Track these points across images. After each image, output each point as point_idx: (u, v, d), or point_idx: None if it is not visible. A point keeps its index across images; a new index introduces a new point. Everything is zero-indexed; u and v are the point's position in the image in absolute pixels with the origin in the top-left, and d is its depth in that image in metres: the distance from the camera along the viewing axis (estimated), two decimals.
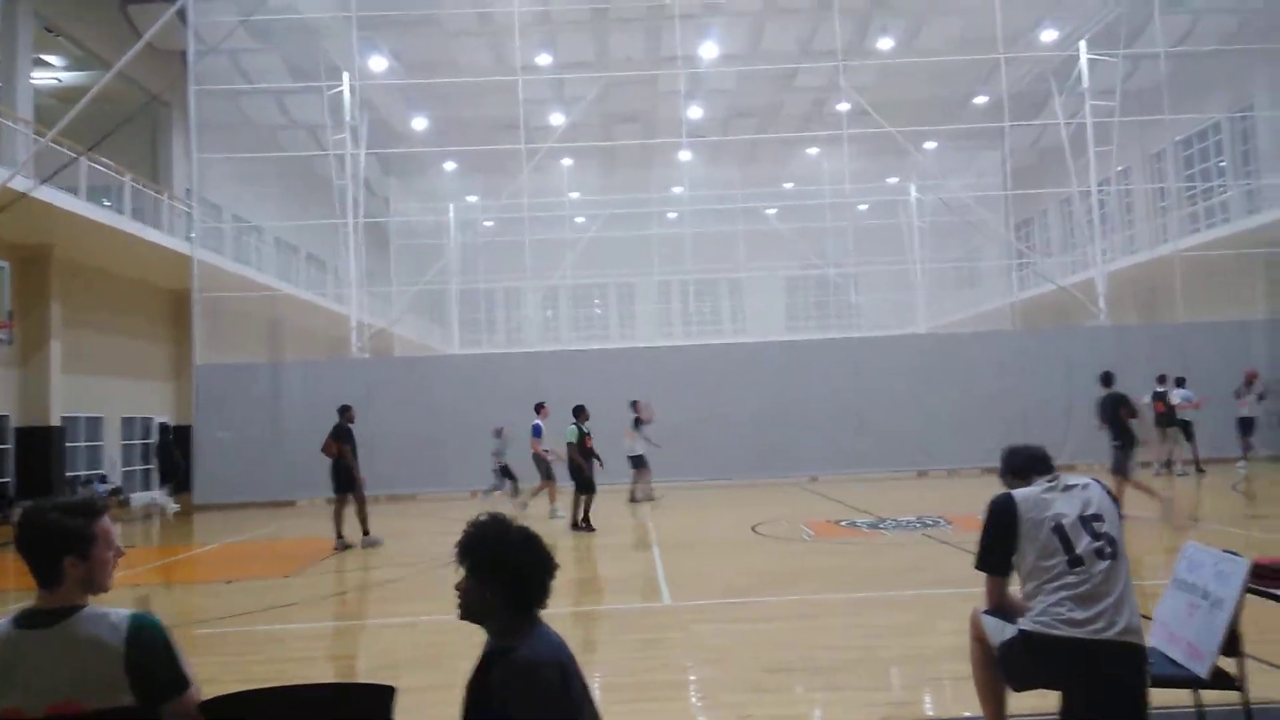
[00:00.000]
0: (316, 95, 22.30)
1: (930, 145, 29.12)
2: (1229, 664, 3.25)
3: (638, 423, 15.10)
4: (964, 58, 23.11)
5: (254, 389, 18.58)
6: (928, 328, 30.35)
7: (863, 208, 31.88)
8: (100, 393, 19.91)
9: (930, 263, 32.56)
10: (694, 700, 5.01)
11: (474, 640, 2.41)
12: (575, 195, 32.18)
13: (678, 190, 29.75)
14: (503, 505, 14.68)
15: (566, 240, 29.58)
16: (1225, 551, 3.37)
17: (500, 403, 16.91)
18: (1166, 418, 16.45)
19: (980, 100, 26.81)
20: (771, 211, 33.94)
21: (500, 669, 2.21)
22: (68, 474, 18.61)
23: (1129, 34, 21.52)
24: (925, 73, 24.96)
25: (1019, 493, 3.21)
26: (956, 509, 11.97)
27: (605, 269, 34.06)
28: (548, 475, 13.91)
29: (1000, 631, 3.19)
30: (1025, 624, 3.06)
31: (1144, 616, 3.10)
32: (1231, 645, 3.22)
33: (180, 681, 2.21)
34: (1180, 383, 16.76)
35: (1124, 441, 10.71)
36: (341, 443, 11.32)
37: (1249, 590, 3.21)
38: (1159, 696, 3.07)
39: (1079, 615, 2.92)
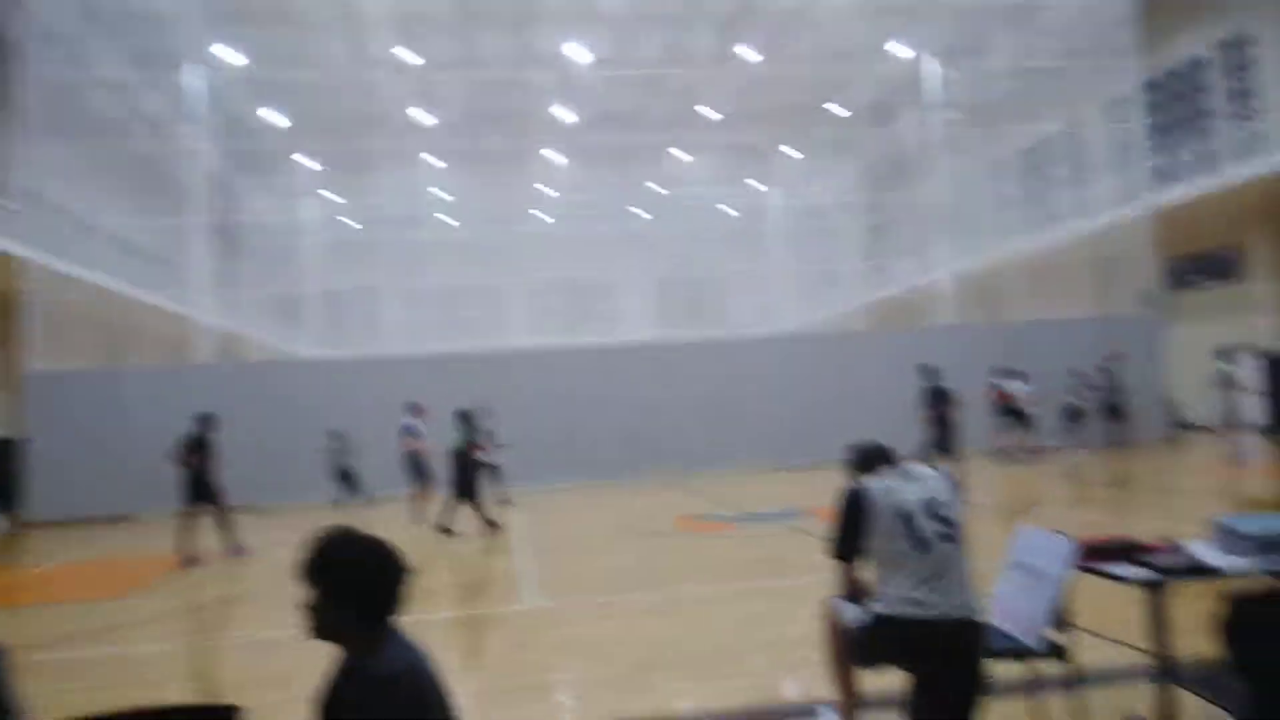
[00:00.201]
0: (162, 87, 21.03)
1: (791, 151, 30.10)
2: (1059, 636, 3.50)
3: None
4: (820, 68, 24.02)
5: (93, 397, 17.33)
6: (790, 328, 31.35)
7: (729, 211, 32.65)
8: None
9: (791, 265, 33.65)
10: (564, 700, 5.00)
11: (327, 656, 2.32)
12: (440, 195, 31.56)
13: (547, 191, 29.65)
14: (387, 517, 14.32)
15: (432, 241, 28.97)
16: (1054, 533, 3.63)
17: (362, 408, 16.43)
18: (1004, 408, 17.62)
19: (837, 109, 27.92)
20: (641, 213, 34.31)
21: (353, 685, 2.14)
22: None
23: (973, 49, 22.89)
24: (785, 81, 25.79)
25: (868, 483, 3.35)
26: (818, 501, 12.39)
27: (472, 270, 33.56)
28: (424, 477, 13.60)
29: (851, 616, 3.33)
30: (875, 607, 3.21)
31: (984, 595, 3.29)
32: (1060, 618, 3.47)
33: (11, 712, 2.04)
34: (1019, 376, 17.91)
35: (945, 430, 11.36)
36: (201, 454, 10.86)
37: (1075, 568, 3.46)
38: (997, 669, 3.26)
39: (924, 596, 3.08)
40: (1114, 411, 18.88)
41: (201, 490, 10.86)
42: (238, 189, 30.48)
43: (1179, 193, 21.36)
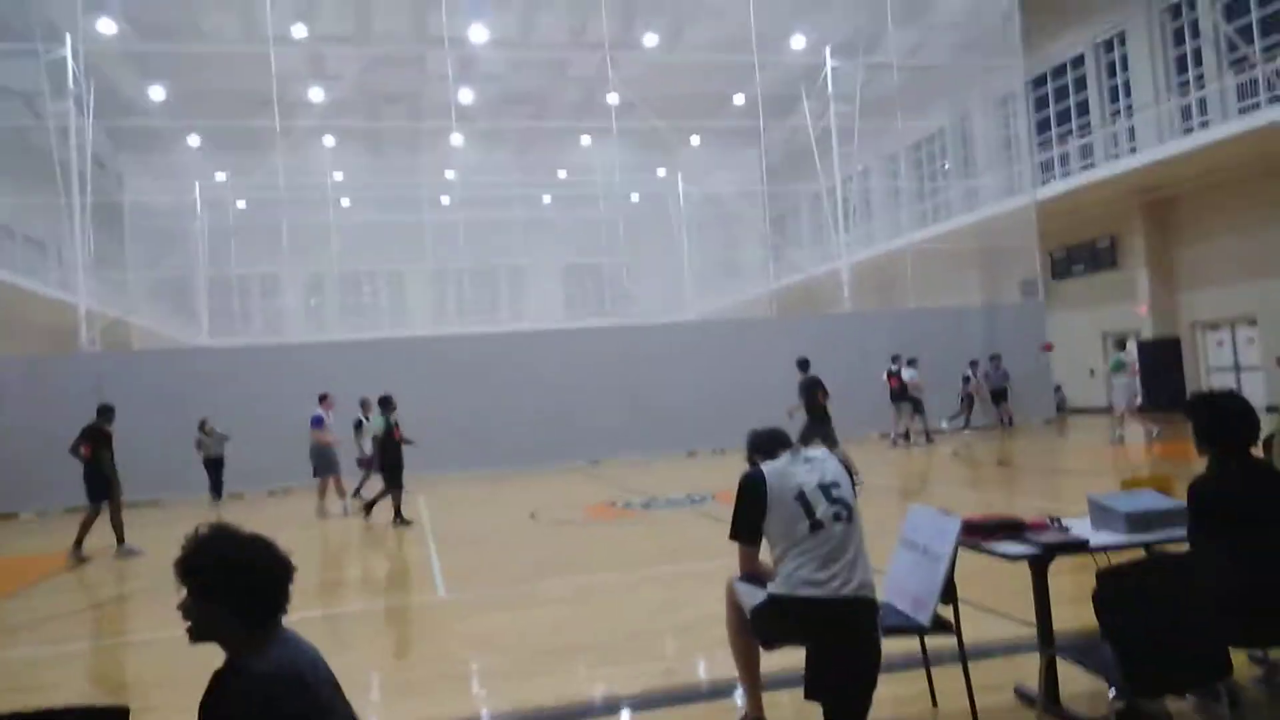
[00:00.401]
0: (33, 59, 19.73)
1: (695, 140, 30.35)
2: (948, 611, 3.69)
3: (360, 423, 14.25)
4: (722, 57, 24.27)
5: None
6: (696, 315, 31.68)
7: (634, 198, 32.72)
8: None
9: (697, 253, 34.00)
10: (471, 691, 4.99)
11: (219, 656, 2.27)
12: (338, 176, 30.62)
13: (450, 175, 29.11)
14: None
15: (330, 224, 28.09)
16: (943, 512, 3.81)
17: (258, 397, 15.92)
18: (899, 393, 18.30)
19: (739, 99, 28.28)
20: (547, 200, 34.05)
21: (235, 685, 2.09)
22: None
23: (868, 44, 23.50)
24: (688, 70, 25.97)
25: (766, 466, 3.45)
26: (723, 485, 12.64)
27: (374, 255, 32.74)
28: (328, 470, 13.27)
29: (752, 597, 3.43)
30: (773, 588, 3.32)
31: (877, 572, 3.44)
32: (948, 594, 3.65)
33: None
34: (912, 363, 18.61)
35: (815, 420, 11.92)
36: (98, 446, 10.43)
37: (961, 545, 3.65)
38: (891, 645, 3.42)
39: (820, 576, 3.20)
40: (998, 397, 19.87)
41: (96, 484, 10.45)
42: (120, 168, 28.94)
43: (1060, 186, 22.47)
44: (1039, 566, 3.74)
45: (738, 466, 3.66)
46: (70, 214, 19.21)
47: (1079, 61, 23.83)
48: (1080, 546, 3.67)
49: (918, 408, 18.51)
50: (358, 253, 30.59)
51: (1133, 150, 21.01)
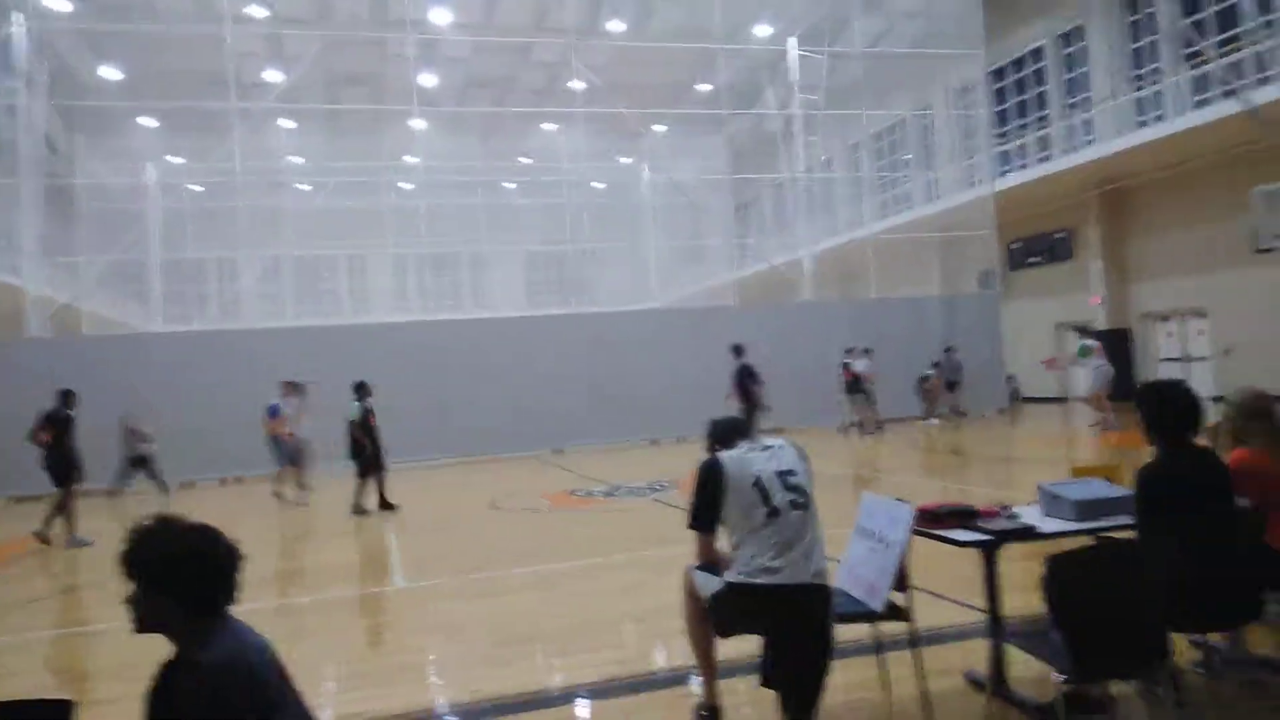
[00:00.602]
0: None
1: (659, 128, 30.29)
2: (900, 598, 3.73)
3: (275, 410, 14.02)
4: (687, 45, 24.22)
5: None
6: (659, 304, 31.71)
7: (599, 186, 32.59)
8: None
9: (661, 241, 33.98)
10: (428, 680, 4.97)
11: (168, 647, 2.23)
12: (297, 160, 30.11)
13: (411, 160, 28.76)
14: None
15: (289, 208, 27.62)
16: (895, 499, 3.86)
17: (213, 384, 15.64)
18: (853, 384, 18.50)
19: (703, 87, 28.25)
20: (510, 186, 33.79)
21: (182, 679, 2.06)
22: None
23: (832, 34, 23.58)
24: (653, 57, 25.87)
25: (724, 455, 3.47)
26: (685, 473, 12.68)
27: (334, 240, 32.27)
28: (290, 460, 13.07)
29: (709, 585, 3.45)
30: (730, 576, 3.33)
31: (832, 560, 3.48)
32: (901, 581, 3.70)
33: None
34: (867, 352, 18.73)
35: (750, 406, 12.13)
36: (61, 431, 10.35)
37: (914, 532, 3.69)
38: (844, 631, 3.46)
39: (776, 563, 3.22)
40: (951, 387, 20.13)
41: (60, 468, 10.35)
42: (72, 150, 28.19)
43: (1018, 178, 22.78)
44: (989, 553, 3.80)
45: (700, 455, 3.67)
46: (19, 196, 18.69)
47: (1039, 54, 24.14)
48: (1029, 533, 3.73)
49: (868, 398, 18.69)
50: (316, 238, 30.13)
51: (1090, 143, 21.35)
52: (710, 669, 3.72)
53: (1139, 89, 20.84)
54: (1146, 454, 3.64)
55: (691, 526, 3.52)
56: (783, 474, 3.37)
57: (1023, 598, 4.67)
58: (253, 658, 2.13)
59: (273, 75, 24.49)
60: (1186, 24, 18.76)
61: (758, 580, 3.22)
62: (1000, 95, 25.65)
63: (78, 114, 25.31)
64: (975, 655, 4.31)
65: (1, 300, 21.21)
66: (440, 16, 24.25)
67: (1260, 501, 3.73)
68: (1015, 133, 24.85)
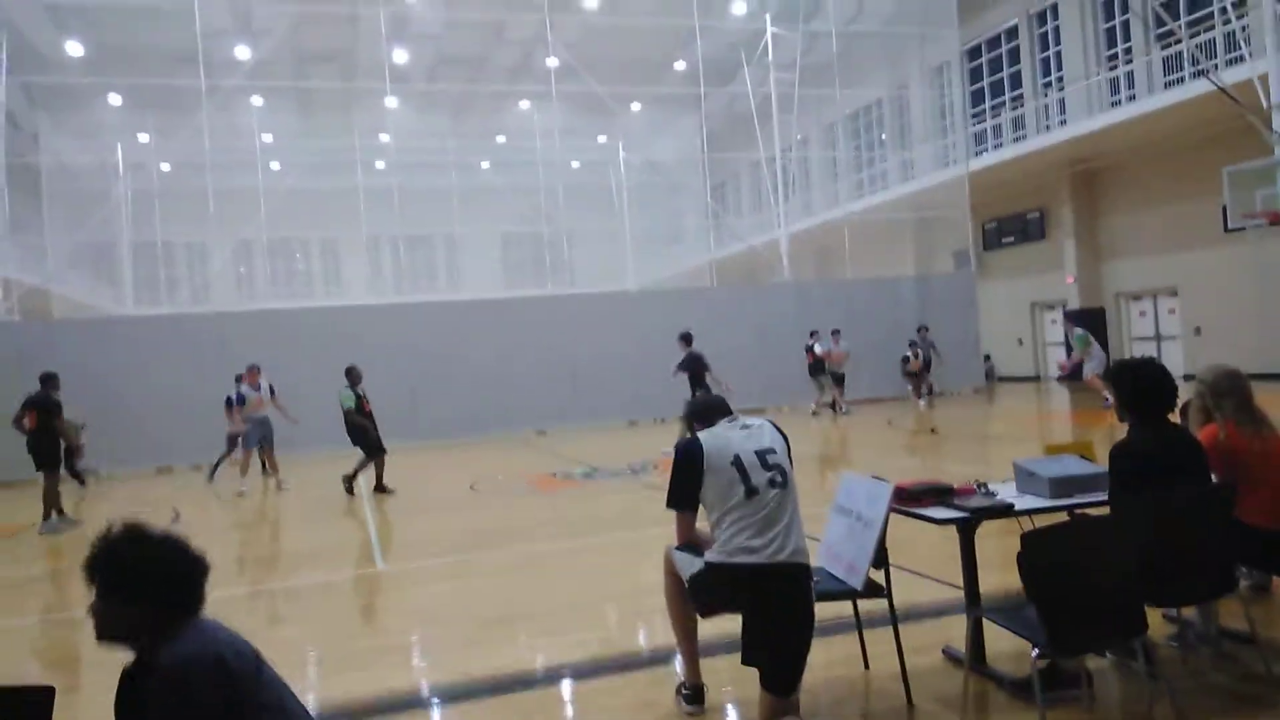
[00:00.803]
0: None
1: (635, 107, 30.12)
2: (879, 576, 3.77)
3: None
4: (663, 22, 24.05)
5: None
6: (636, 284, 31.66)
7: (574, 165, 32.38)
8: None
9: (638, 221, 33.87)
10: (412, 663, 4.96)
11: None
12: (267, 139, 29.65)
13: (384, 139, 28.41)
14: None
15: (259, 188, 27.21)
16: (874, 478, 3.89)
17: (185, 368, 15.46)
18: (815, 366, 18.60)
19: (679, 66, 28.09)
20: (485, 165, 33.49)
21: (150, 681, 2.04)
22: None
23: (807, 11, 23.50)
24: (628, 34, 25.67)
25: (703, 434, 3.47)
26: (663, 454, 12.73)
27: (306, 221, 31.87)
28: (250, 442, 12.96)
29: (690, 565, 3.46)
30: (710, 556, 3.34)
31: (812, 539, 3.50)
32: (880, 559, 3.73)
33: None
34: (835, 334, 18.78)
35: (701, 393, 12.28)
36: (50, 414, 10.31)
37: (892, 510, 3.73)
38: (823, 609, 3.48)
39: (755, 542, 3.23)
40: (926, 366, 20.17)
41: (45, 452, 10.32)
42: (37, 127, 27.61)
43: (992, 158, 22.90)
44: (966, 531, 3.84)
45: (678, 435, 3.67)
46: None
47: (1013, 33, 24.20)
48: (1005, 511, 3.78)
49: (838, 380, 18.79)
50: (288, 219, 29.69)
51: (1063, 123, 21.48)
52: (691, 648, 3.74)
53: (1112, 69, 20.97)
54: (1121, 430, 3.69)
55: (670, 506, 3.52)
56: (761, 453, 3.38)
57: (999, 574, 4.74)
58: (224, 650, 2.11)
59: (242, 52, 24.07)
60: (1157, 4, 18.86)
61: (738, 560, 3.23)
62: (975, 75, 25.73)
63: (42, 90, 24.80)
64: (953, 631, 4.37)
65: None
66: None
67: (1231, 477, 3.79)
68: (990, 112, 24.95)
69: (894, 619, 3.77)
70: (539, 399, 18.57)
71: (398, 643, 5.30)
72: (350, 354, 14.78)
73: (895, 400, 20.01)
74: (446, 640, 5.19)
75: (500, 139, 32.69)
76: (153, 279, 30.18)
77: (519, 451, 15.92)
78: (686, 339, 13.19)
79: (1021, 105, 23.60)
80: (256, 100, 28.13)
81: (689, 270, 33.85)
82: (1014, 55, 24.29)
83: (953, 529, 3.80)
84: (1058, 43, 22.66)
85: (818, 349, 18.64)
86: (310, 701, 4.20)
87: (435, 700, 4.28)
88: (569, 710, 4.09)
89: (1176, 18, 18.63)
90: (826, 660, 4.12)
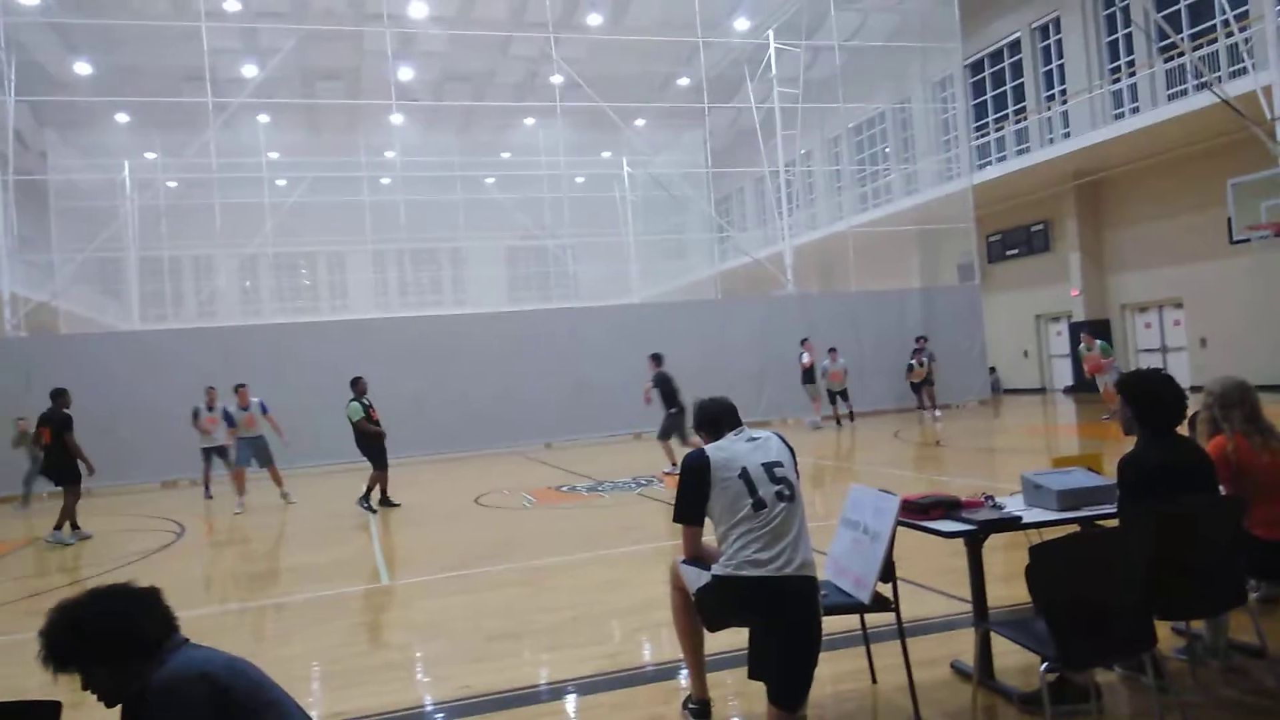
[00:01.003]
0: None
1: (640, 122, 30.25)
2: (886, 589, 3.75)
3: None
4: (666, 39, 24.19)
5: None
6: (640, 298, 31.69)
7: (579, 180, 32.49)
8: None
9: (642, 235, 33.94)
10: (415, 678, 4.95)
11: None
12: (274, 156, 29.81)
13: (390, 155, 28.55)
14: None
15: (265, 204, 27.35)
16: (881, 491, 3.87)
17: (192, 383, 15.44)
18: (808, 375, 18.51)
19: (683, 81, 28.21)
20: (490, 181, 33.62)
21: (144, 704, 2.11)
22: None
23: (810, 27, 23.61)
24: (632, 51, 25.79)
25: (710, 448, 3.46)
26: (669, 467, 12.70)
27: (312, 236, 32.01)
28: (242, 459, 12.91)
29: (697, 578, 3.45)
30: (717, 569, 3.34)
31: (819, 552, 3.49)
32: (887, 572, 3.72)
33: None
34: (832, 351, 18.69)
35: (676, 410, 12.55)
36: (65, 430, 10.45)
37: (899, 523, 3.71)
38: (831, 622, 3.47)
39: (763, 556, 3.23)
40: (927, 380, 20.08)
41: (63, 468, 10.48)
42: (45, 145, 27.80)
43: (995, 170, 22.92)
44: (974, 544, 3.82)
45: (682, 450, 3.67)
46: None
47: (1016, 47, 24.28)
48: (1013, 524, 3.77)
49: (840, 395, 18.72)
50: (294, 234, 29.87)
51: (1066, 135, 21.51)
52: (698, 662, 3.73)
53: (1115, 81, 21.01)
54: (1128, 444, 3.67)
55: (678, 520, 3.52)
56: (769, 465, 3.38)
57: (1006, 588, 4.72)
58: (206, 668, 2.18)
59: (249, 70, 24.24)
60: (1159, 17, 18.93)
61: (745, 573, 3.23)
62: (978, 88, 25.80)
63: (50, 109, 24.96)
64: (961, 645, 4.35)
65: None
66: (417, 10, 24.06)
67: (1240, 489, 3.78)
68: (993, 125, 25.00)
69: (901, 632, 3.75)
70: (544, 412, 18.57)
71: (403, 657, 5.29)
72: (356, 368, 14.80)
73: (900, 412, 19.95)
74: (452, 654, 5.17)
75: (505, 154, 32.84)
76: (159, 294, 30.34)
77: (524, 465, 15.91)
78: (657, 359, 13.42)
79: (1025, 118, 23.64)
80: (263, 118, 28.32)
81: (693, 284, 33.88)
82: (1017, 68, 24.35)
83: (960, 542, 3.78)
84: (1060, 56, 22.71)
85: (804, 360, 18.56)
86: (315, 716, 4.19)
87: (440, 716, 4.27)
88: None
89: (1179, 30, 18.68)
90: (834, 674, 4.11)
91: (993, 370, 23.62)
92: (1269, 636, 3.85)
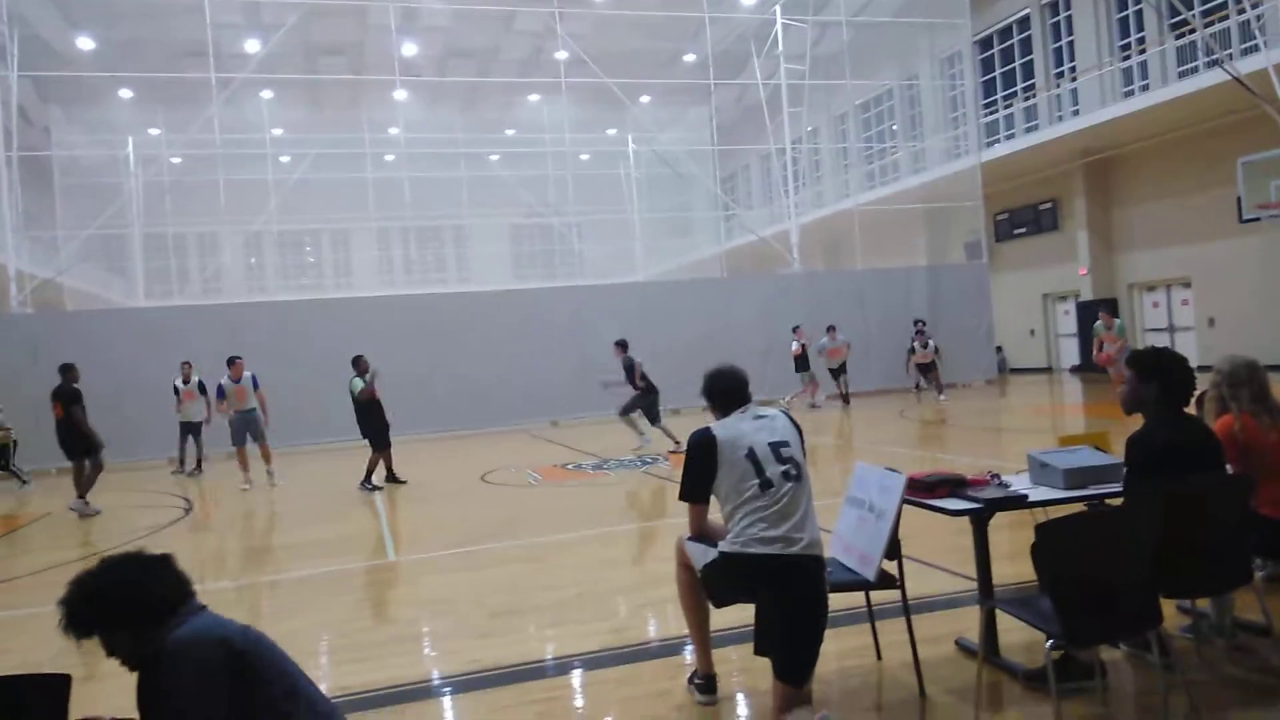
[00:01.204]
0: None
1: (645, 99, 30.04)
2: (892, 567, 3.76)
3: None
4: (672, 14, 23.96)
5: None
6: (645, 275, 31.63)
7: (584, 157, 32.33)
8: None
9: (647, 213, 33.81)
10: (422, 652, 4.99)
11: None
12: (277, 132, 29.68)
13: (394, 131, 28.41)
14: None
15: (269, 181, 27.28)
16: (887, 469, 3.87)
17: (197, 359, 15.50)
18: (803, 362, 18.39)
19: (689, 58, 27.97)
20: (494, 158, 33.48)
21: (163, 663, 2.16)
22: None
23: (817, 2, 23.37)
24: (638, 26, 25.58)
25: (716, 426, 3.46)
26: (673, 445, 12.72)
27: (316, 213, 31.92)
28: (237, 439, 12.81)
29: (703, 555, 3.46)
30: (724, 546, 3.34)
31: (824, 530, 3.49)
32: (893, 550, 3.72)
33: None
34: (831, 330, 18.57)
35: (647, 388, 12.94)
36: (71, 404, 10.56)
37: (905, 501, 3.71)
38: (836, 599, 3.48)
39: (770, 534, 3.23)
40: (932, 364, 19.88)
41: (73, 441, 10.61)
42: (48, 121, 27.73)
43: (1004, 148, 22.75)
44: (980, 522, 3.82)
45: (687, 426, 3.67)
46: None
47: (1025, 23, 24.02)
48: (1019, 502, 3.76)
49: (840, 371, 18.64)
50: (299, 211, 29.78)
51: (1075, 113, 21.32)
52: (704, 638, 3.74)
53: (1125, 58, 20.79)
54: (1135, 422, 3.66)
55: (684, 499, 3.52)
56: (775, 445, 3.37)
57: (1011, 566, 4.72)
58: (232, 634, 2.23)
59: (252, 45, 24.10)
60: None
61: (752, 549, 3.23)
62: (987, 65, 25.55)
63: (53, 84, 24.87)
64: (966, 622, 4.36)
65: None
66: None
67: (1247, 468, 3.77)
68: (1002, 103, 24.79)
69: (906, 610, 3.76)
70: (549, 390, 18.57)
71: (410, 632, 5.32)
72: (360, 345, 14.79)
73: (905, 392, 19.93)
74: (458, 630, 5.20)
75: (510, 131, 32.66)
76: (164, 271, 30.34)
77: (530, 442, 15.94)
78: (622, 345, 13.55)
79: (1034, 95, 23.43)
80: (266, 93, 28.17)
81: (698, 262, 33.77)
82: (1026, 45, 24.10)
83: (965, 520, 3.78)
84: (1070, 32, 22.47)
85: (794, 346, 18.45)
86: (323, 690, 4.22)
87: (447, 690, 4.30)
88: (582, 700, 4.09)
89: (1190, 7, 18.44)
90: (839, 651, 4.12)
91: (999, 349, 23.56)
92: (1275, 615, 3.85)
